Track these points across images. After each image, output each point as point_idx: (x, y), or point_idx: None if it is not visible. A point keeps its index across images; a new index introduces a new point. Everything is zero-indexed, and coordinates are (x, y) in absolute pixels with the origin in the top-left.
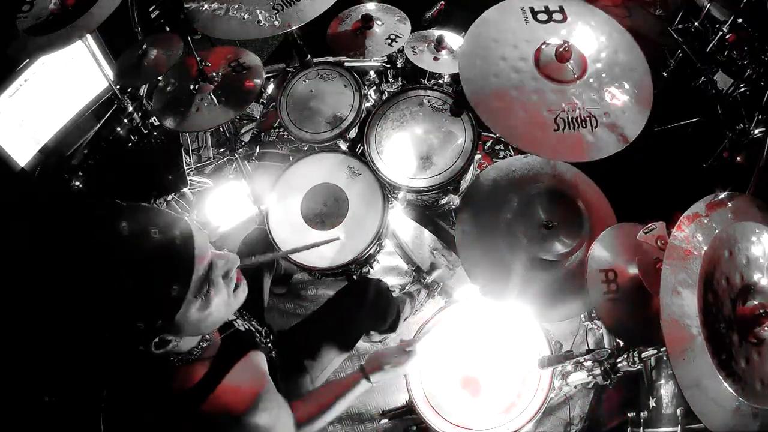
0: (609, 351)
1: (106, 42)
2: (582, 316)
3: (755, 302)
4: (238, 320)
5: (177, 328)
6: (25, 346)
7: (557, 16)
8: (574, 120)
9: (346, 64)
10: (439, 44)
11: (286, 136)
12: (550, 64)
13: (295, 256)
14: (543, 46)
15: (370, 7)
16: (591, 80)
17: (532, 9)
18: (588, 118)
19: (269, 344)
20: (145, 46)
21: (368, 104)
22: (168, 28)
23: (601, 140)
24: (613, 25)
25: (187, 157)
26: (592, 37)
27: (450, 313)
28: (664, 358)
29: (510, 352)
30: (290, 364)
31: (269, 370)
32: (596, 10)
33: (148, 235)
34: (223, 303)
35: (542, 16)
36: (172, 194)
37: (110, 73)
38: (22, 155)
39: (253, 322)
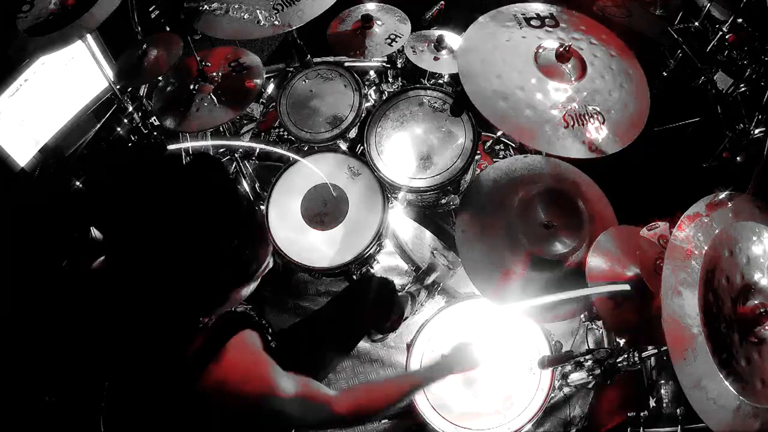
0: (609, 351)
1: (106, 42)
2: (582, 316)
3: (756, 302)
4: None
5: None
6: (25, 345)
7: (549, 22)
8: (582, 117)
9: (346, 64)
10: (439, 44)
11: (286, 136)
12: (549, 65)
13: (294, 256)
14: (540, 50)
15: (370, 7)
16: (593, 80)
17: (524, 15)
18: (596, 115)
19: (269, 337)
20: (145, 46)
21: (368, 104)
22: (168, 28)
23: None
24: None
25: (188, 158)
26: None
27: (450, 313)
28: (664, 358)
29: (510, 352)
30: (296, 359)
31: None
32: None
33: (255, 216)
34: (248, 294)
35: (535, 22)
36: None
37: (110, 73)
38: (22, 155)
39: (252, 313)
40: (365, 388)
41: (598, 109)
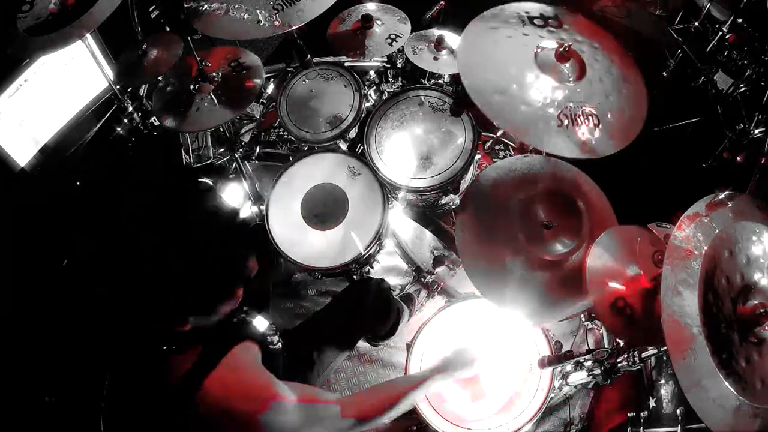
0: (609, 351)
1: (106, 42)
2: (582, 316)
3: (755, 302)
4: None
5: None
6: (25, 345)
7: (553, 23)
8: (576, 117)
9: (346, 64)
10: (439, 44)
11: (286, 136)
12: (548, 64)
13: (295, 257)
14: (539, 50)
15: (370, 7)
16: (591, 83)
17: (528, 13)
18: (590, 117)
19: (276, 338)
20: (145, 46)
21: (368, 104)
22: (168, 28)
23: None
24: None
25: (187, 157)
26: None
27: (450, 313)
28: (664, 358)
29: (510, 352)
30: (297, 359)
31: (276, 363)
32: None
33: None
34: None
35: (538, 21)
36: None
37: (110, 73)
38: (22, 155)
39: (261, 317)
40: (369, 392)
41: (593, 111)
